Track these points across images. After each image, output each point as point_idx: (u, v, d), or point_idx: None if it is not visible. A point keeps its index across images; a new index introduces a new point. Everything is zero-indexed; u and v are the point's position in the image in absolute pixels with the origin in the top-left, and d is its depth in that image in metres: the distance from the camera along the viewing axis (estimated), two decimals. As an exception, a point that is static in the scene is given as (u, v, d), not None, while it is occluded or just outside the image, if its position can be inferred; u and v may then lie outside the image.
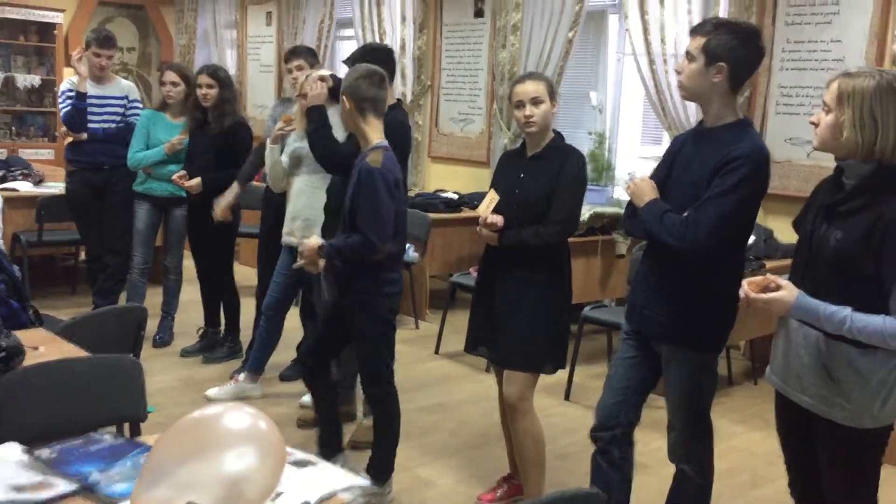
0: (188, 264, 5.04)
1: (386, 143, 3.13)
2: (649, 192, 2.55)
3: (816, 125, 2.19)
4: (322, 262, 3.13)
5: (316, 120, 3.52)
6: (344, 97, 3.12)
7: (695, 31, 2.51)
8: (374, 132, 3.12)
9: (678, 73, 2.55)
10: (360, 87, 3.09)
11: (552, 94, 3.01)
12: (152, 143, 4.86)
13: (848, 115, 2.08)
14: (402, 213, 3.14)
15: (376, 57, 3.52)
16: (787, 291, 2.11)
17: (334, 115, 3.67)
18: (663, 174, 2.64)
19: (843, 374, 2.13)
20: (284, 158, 4.11)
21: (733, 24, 2.51)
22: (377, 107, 3.12)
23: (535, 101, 2.95)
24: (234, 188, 4.58)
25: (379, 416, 3.29)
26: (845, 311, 2.05)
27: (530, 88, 2.97)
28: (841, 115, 2.10)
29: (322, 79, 3.62)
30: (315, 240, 3.15)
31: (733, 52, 2.42)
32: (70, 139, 5.18)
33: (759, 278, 2.17)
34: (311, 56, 4.74)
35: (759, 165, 2.42)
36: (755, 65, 2.53)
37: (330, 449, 3.28)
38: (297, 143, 4.03)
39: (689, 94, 2.55)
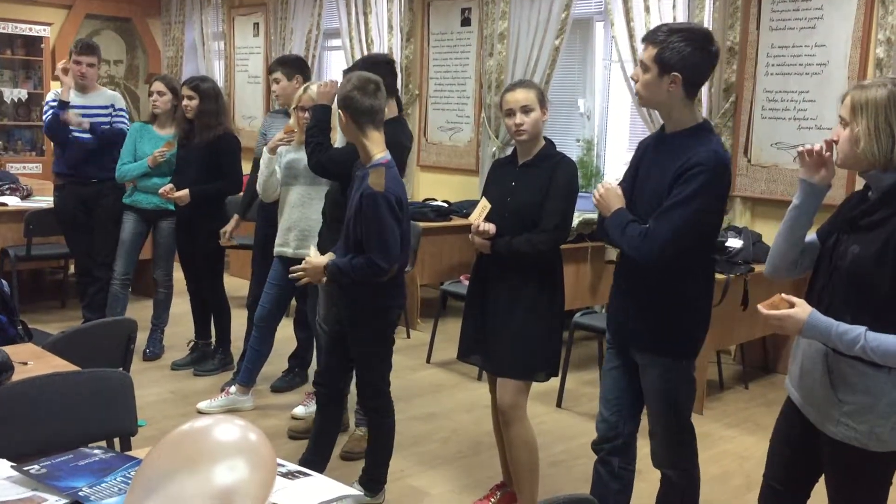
0: (178, 277, 5.03)
1: (387, 157, 3.04)
2: (615, 202, 2.55)
3: (836, 142, 2.15)
4: (324, 279, 3.11)
5: (315, 118, 3.50)
6: (340, 111, 3.04)
7: (647, 40, 2.46)
8: (375, 146, 3.03)
9: (634, 81, 2.54)
10: (354, 99, 2.98)
11: (543, 101, 3.00)
12: (139, 155, 4.85)
13: (863, 125, 2.05)
14: (406, 230, 3.09)
15: (377, 70, 3.45)
16: (800, 309, 2.04)
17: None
18: (630, 179, 2.64)
19: (850, 393, 2.07)
20: (279, 169, 4.11)
21: (685, 30, 2.44)
22: (375, 118, 3.01)
23: (526, 110, 2.95)
24: (234, 219, 4.63)
25: (376, 427, 3.28)
26: (858, 331, 1.98)
27: (520, 96, 2.97)
28: (856, 127, 2.07)
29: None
30: (321, 259, 3.11)
31: (686, 60, 2.39)
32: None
33: (773, 298, 2.09)
34: (296, 68, 4.71)
35: (716, 173, 2.40)
36: (709, 70, 2.51)
37: (314, 464, 3.18)
38: (294, 154, 4.03)
39: (645, 102, 2.54)
